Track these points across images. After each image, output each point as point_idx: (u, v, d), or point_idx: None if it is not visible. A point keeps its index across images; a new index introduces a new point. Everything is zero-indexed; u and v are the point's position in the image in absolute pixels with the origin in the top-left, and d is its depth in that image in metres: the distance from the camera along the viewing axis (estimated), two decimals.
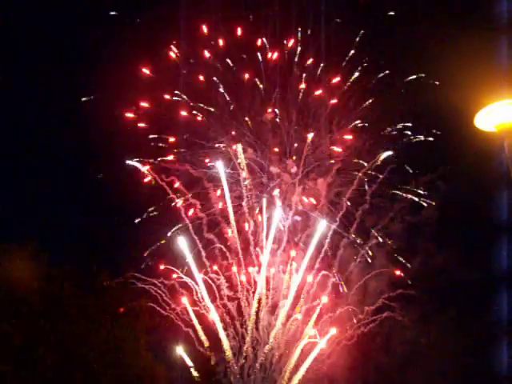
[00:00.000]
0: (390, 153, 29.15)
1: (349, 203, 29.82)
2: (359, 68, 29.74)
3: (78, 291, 24.99)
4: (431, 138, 29.45)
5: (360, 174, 29.32)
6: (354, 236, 29.79)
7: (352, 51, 29.48)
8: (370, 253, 29.68)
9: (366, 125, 29.92)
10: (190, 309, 29.40)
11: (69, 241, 29.61)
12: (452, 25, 24.71)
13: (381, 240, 29.53)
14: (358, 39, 29.51)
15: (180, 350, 29.64)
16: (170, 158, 30.58)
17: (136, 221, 30.09)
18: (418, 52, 27.16)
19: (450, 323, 27.75)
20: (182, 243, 29.65)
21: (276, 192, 30.21)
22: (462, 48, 22.47)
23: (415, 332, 28.27)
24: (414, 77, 28.96)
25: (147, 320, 27.47)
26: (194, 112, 30.57)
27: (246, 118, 30.59)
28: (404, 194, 29.51)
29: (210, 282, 29.68)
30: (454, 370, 27.73)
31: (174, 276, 29.72)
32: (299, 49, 30.07)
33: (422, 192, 29.42)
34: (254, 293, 29.58)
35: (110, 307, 25.95)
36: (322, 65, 29.87)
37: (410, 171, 29.54)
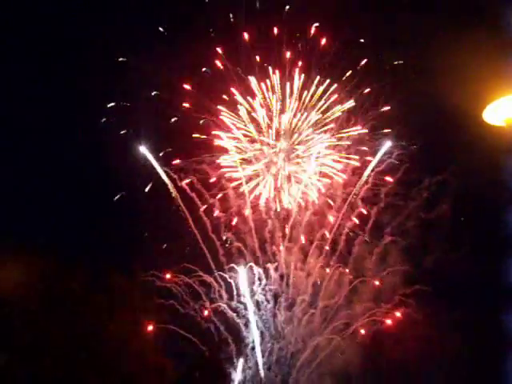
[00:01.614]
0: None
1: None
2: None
3: (86, 289, 25.54)
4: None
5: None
6: (367, 235, 30.24)
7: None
8: (384, 251, 30.13)
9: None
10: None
11: (79, 240, 29.34)
12: (459, 20, 24.96)
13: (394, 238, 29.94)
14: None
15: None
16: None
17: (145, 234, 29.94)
18: (425, 47, 27.25)
19: (461, 321, 27.97)
20: (144, 151, 28.44)
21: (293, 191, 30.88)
22: (469, 42, 22.70)
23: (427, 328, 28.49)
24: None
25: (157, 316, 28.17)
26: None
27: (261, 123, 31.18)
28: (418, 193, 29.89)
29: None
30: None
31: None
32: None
33: (435, 190, 29.80)
34: (271, 289, 30.25)
35: (118, 305, 26.49)
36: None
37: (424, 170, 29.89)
